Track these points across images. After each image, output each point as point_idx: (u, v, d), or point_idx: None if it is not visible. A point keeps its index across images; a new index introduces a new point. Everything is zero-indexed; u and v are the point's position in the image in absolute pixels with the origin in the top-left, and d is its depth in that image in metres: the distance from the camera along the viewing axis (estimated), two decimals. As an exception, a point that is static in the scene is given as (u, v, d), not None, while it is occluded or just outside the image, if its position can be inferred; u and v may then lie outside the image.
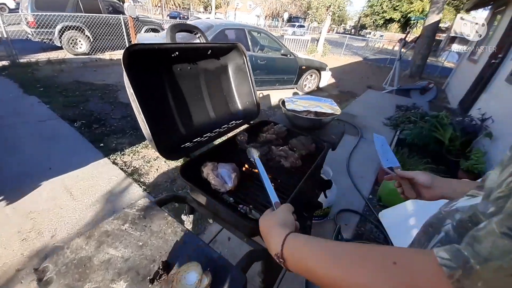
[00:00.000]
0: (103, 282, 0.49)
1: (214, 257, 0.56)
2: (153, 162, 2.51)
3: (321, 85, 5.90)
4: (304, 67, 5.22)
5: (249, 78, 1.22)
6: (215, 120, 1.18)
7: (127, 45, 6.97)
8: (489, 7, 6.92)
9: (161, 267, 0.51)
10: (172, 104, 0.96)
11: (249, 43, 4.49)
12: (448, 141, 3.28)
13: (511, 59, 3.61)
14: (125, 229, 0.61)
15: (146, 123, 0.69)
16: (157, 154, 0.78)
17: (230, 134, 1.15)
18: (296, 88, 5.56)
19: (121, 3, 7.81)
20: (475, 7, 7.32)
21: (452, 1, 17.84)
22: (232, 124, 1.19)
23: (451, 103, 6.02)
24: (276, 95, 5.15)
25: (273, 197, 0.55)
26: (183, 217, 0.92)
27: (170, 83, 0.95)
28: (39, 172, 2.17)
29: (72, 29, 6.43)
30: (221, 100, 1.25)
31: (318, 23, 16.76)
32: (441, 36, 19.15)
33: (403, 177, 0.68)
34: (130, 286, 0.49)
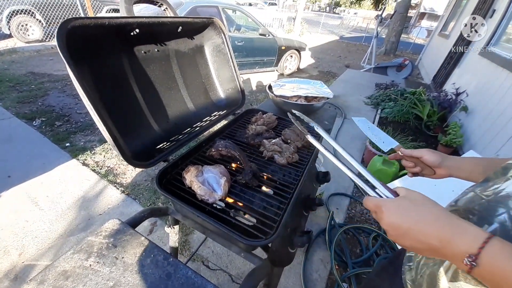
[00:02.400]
0: None
1: (196, 281, 0.45)
2: (129, 160, 2.30)
3: (301, 66, 5.77)
4: (284, 47, 5.02)
5: (231, 61, 1.06)
6: (195, 113, 1.02)
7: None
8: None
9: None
10: (139, 96, 0.79)
11: (224, 23, 4.17)
12: (426, 117, 3.38)
13: (484, 33, 3.69)
14: (90, 265, 0.47)
15: (103, 124, 0.53)
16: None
17: (215, 128, 1.01)
18: (276, 70, 5.37)
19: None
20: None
21: None
22: (215, 115, 1.05)
23: (425, 79, 6.21)
24: (256, 79, 4.94)
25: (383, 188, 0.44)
26: (167, 229, 0.79)
27: (134, 70, 0.77)
28: (-6, 182, 1.88)
29: (21, 13, 5.58)
30: (200, 88, 1.08)
31: (293, 1, 16.21)
32: (411, 13, 19.51)
33: (410, 156, 0.64)
34: None
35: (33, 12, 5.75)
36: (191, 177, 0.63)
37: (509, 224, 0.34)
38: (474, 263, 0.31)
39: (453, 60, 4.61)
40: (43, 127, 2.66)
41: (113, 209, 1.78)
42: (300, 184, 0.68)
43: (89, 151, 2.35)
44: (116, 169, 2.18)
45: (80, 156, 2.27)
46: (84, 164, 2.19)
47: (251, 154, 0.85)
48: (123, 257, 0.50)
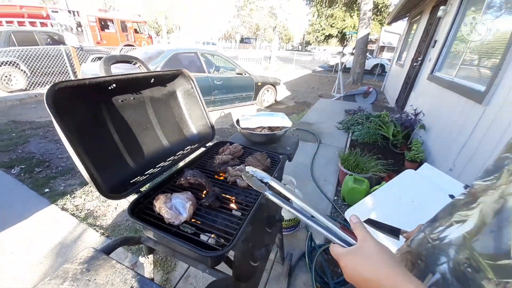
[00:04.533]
0: None
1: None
2: (110, 201, 2.29)
3: (278, 99, 6.21)
4: (260, 83, 5.46)
5: (200, 102, 1.24)
6: (169, 148, 1.15)
7: (71, 77, 6.47)
8: (406, 18, 8.23)
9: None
10: (116, 137, 0.91)
11: (204, 66, 4.56)
12: (392, 136, 3.70)
13: (429, 61, 4.29)
14: None
15: (82, 164, 0.64)
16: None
17: (187, 160, 1.12)
18: (256, 103, 5.74)
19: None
20: (395, 19, 8.62)
21: (376, 17, 20.84)
22: (187, 149, 1.17)
23: (390, 102, 6.83)
24: (237, 112, 5.23)
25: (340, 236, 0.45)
26: (141, 259, 0.85)
27: (112, 115, 0.91)
28: (-35, 235, 1.81)
29: (5, 65, 5.76)
30: (174, 126, 1.23)
31: (268, 42, 18.02)
32: (373, 47, 22.06)
33: None
34: None
35: (17, 63, 5.95)
36: (160, 204, 0.73)
37: (449, 277, 0.34)
38: None
39: (408, 85, 5.21)
40: (22, 174, 2.64)
41: (91, 253, 1.74)
42: (257, 203, 0.79)
43: (69, 195, 2.34)
44: (96, 211, 2.17)
45: (59, 201, 2.25)
46: (63, 209, 2.16)
47: (217, 180, 0.96)
48: (95, 279, 0.57)
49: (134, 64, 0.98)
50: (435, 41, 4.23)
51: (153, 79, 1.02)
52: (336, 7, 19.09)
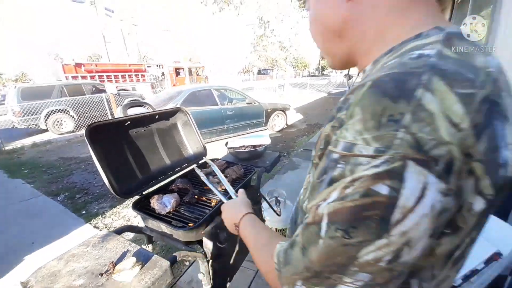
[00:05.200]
0: (68, 282, 0.71)
1: (149, 255, 0.80)
2: (133, 220, 2.66)
3: (289, 122, 6.52)
4: (269, 110, 5.88)
5: (195, 130, 1.59)
6: (170, 165, 1.48)
7: (109, 118, 7.47)
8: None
9: (110, 266, 0.74)
10: (131, 158, 1.27)
11: (216, 99, 5.15)
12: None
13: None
14: (87, 250, 0.84)
15: (105, 177, 0.98)
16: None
17: (182, 172, 1.44)
18: (267, 128, 6.11)
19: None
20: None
21: None
22: (184, 166, 1.50)
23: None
24: (250, 138, 5.62)
25: (231, 191, 0.79)
26: (144, 246, 1.13)
27: (128, 143, 1.28)
28: (22, 248, 2.25)
29: (58, 112, 6.98)
30: (175, 149, 1.58)
31: (285, 71, 19.27)
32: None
33: None
34: (86, 280, 0.71)
35: (67, 110, 7.17)
36: (153, 200, 1.03)
37: (293, 215, 0.51)
38: (237, 227, 0.56)
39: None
40: (65, 200, 3.17)
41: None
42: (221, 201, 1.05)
43: (100, 216, 2.76)
44: (121, 228, 2.53)
45: (92, 220, 2.67)
46: (95, 227, 2.56)
47: (200, 187, 1.25)
48: (106, 246, 0.86)
49: (144, 107, 1.38)
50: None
51: (157, 116, 1.40)
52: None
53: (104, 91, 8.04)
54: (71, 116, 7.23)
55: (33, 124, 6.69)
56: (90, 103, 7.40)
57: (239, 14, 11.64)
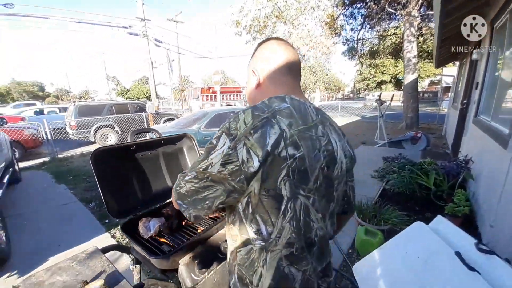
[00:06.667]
0: (44, 296, 0.79)
1: (119, 279, 0.85)
2: (147, 233, 2.79)
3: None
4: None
5: (198, 154, 1.67)
6: (171, 188, 1.57)
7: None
8: (457, 62, 7.79)
9: (82, 285, 0.80)
10: (135, 180, 1.39)
11: (240, 121, 5.36)
12: (435, 186, 3.31)
13: (474, 103, 3.94)
14: (72, 265, 0.92)
15: (102, 195, 1.09)
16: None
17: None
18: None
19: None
20: (441, 63, 8.22)
21: (427, 60, 19.80)
22: (184, 190, 1.57)
23: (450, 147, 6.06)
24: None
25: None
26: (131, 267, 1.19)
27: (134, 166, 1.41)
28: (49, 249, 2.52)
29: (105, 127, 8.00)
30: (179, 173, 1.67)
31: (313, 91, 19.36)
32: (437, 87, 20.38)
33: None
34: (59, 296, 0.78)
35: (113, 126, 8.15)
36: (140, 223, 1.10)
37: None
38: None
39: (460, 128, 4.70)
40: (95, 208, 3.49)
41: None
42: (206, 231, 1.07)
43: (119, 226, 2.96)
44: (134, 241, 2.67)
45: (111, 230, 2.87)
46: (112, 236, 2.75)
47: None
48: (89, 263, 0.94)
49: (151, 132, 1.52)
50: (477, 83, 3.96)
51: (162, 141, 1.53)
52: (379, 58, 19.45)
53: (145, 110, 8.97)
54: (115, 130, 8.17)
55: (84, 137, 7.71)
56: (132, 120, 8.30)
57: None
